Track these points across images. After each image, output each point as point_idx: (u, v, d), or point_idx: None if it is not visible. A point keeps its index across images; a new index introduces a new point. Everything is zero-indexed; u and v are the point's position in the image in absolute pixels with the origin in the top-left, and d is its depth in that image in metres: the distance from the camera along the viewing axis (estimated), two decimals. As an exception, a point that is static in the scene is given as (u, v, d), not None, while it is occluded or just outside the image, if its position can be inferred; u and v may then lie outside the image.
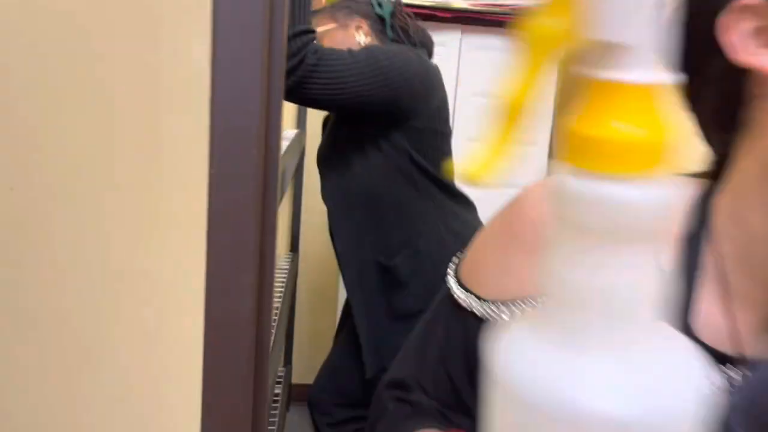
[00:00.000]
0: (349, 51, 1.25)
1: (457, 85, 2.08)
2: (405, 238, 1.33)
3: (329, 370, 1.53)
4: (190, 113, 0.52)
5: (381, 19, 1.39)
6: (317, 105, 1.24)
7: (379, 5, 1.40)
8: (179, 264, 0.54)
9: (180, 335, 0.56)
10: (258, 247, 0.53)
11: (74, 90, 0.51)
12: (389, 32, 1.39)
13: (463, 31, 2.03)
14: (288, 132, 2.11)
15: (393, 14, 1.40)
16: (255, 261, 0.52)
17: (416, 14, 1.97)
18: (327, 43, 1.33)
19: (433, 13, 1.98)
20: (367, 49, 1.27)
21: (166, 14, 0.51)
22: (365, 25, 1.38)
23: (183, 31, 0.52)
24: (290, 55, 1.12)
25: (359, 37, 1.38)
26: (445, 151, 1.38)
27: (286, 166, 1.57)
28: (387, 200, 1.33)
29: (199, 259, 0.53)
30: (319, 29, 1.34)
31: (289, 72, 1.12)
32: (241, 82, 0.51)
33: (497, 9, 1.97)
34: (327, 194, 1.42)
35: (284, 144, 1.67)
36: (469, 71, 2.07)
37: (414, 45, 1.41)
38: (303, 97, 1.19)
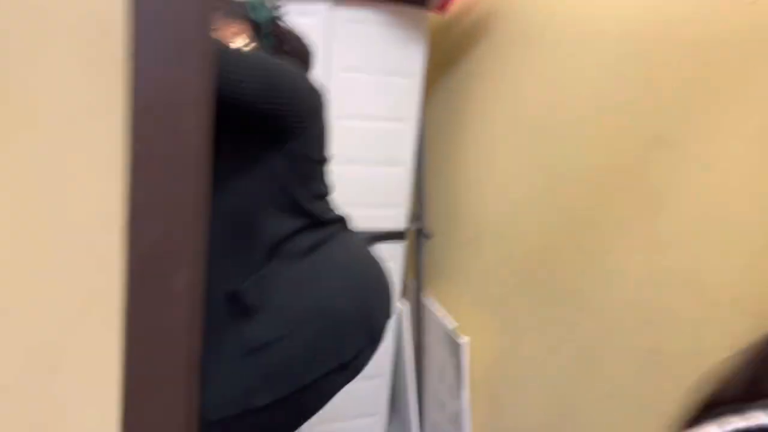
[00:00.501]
0: (238, 48, 1.13)
1: (327, 60, 2.00)
2: (257, 263, 1.21)
3: None
4: (102, 74, 0.40)
5: (256, 26, 1.27)
6: None
7: (254, 10, 1.27)
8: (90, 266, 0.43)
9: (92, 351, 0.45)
10: (191, 241, 0.43)
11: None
12: (265, 41, 1.27)
13: (333, 3, 1.95)
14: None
15: (270, 21, 1.28)
16: (187, 257, 0.43)
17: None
18: None
19: (301, -19, 1.87)
20: (258, 53, 1.15)
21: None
22: (245, 31, 1.25)
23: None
24: None
25: (237, 43, 1.25)
26: (318, 178, 1.29)
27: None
28: (246, 224, 1.21)
29: (114, 260, 0.42)
30: None
31: None
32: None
33: (370, -20, 1.91)
34: None
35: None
36: (339, 45, 1.99)
37: (289, 56, 1.30)
38: None
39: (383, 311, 1.38)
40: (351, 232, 1.41)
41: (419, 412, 2.37)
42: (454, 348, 2.06)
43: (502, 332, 1.91)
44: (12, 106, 0.40)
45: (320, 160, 1.27)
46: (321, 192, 1.30)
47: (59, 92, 0.41)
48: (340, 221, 1.37)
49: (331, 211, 1.35)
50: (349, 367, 1.30)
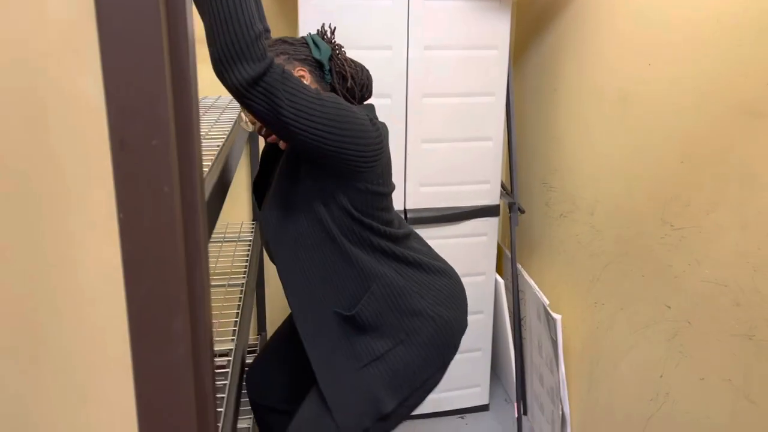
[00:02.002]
0: (316, 89, 1.17)
1: (407, 40, 2.00)
2: (358, 288, 1.30)
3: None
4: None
5: (318, 63, 1.29)
6: (273, 123, 1.12)
7: (317, 47, 1.29)
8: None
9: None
10: (184, 290, 0.49)
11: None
12: (327, 77, 1.30)
13: (410, -18, 1.94)
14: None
15: (331, 58, 1.30)
16: (182, 304, 0.49)
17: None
18: None
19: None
20: (332, 96, 1.18)
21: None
22: (307, 74, 1.28)
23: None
24: (256, 56, 1.03)
25: None
26: (384, 206, 1.33)
27: (235, 140, 1.51)
28: (335, 256, 1.29)
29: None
30: None
31: (258, 77, 1.04)
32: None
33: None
34: (273, 240, 1.34)
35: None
36: (418, 24, 1.99)
37: (352, 91, 1.33)
38: (265, 110, 1.08)
39: (466, 305, 1.46)
40: (419, 239, 1.49)
41: (522, 382, 2.38)
42: (549, 323, 2.04)
43: (595, 309, 1.87)
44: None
45: (383, 193, 1.31)
46: (389, 219, 1.36)
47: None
48: (409, 232, 1.44)
49: (401, 227, 1.41)
50: (447, 366, 1.41)
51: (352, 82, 1.32)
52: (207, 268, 0.58)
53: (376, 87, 2.01)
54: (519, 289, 2.29)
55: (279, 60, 1.27)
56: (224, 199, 1.06)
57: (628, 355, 1.70)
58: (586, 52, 1.91)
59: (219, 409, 1.26)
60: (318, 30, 1.37)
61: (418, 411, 2.35)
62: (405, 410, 1.38)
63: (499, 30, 2.05)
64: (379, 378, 1.31)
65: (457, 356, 2.32)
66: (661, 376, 1.54)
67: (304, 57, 1.28)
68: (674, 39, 1.46)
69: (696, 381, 1.41)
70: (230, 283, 1.89)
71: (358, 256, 1.29)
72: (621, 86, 1.70)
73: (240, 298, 1.77)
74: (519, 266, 2.35)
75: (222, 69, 1.03)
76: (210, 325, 0.56)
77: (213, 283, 1.89)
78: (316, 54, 1.28)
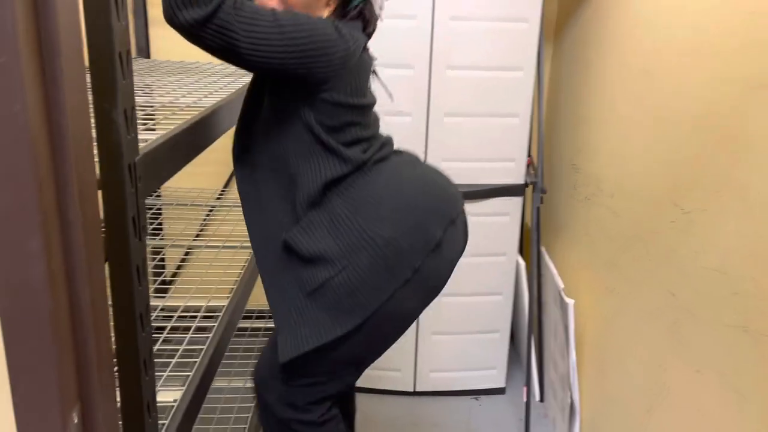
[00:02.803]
0: (273, 12, 1.14)
1: (433, 9, 1.96)
2: (303, 211, 1.27)
3: (270, 347, 1.47)
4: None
5: (346, 1, 1.27)
6: (231, 58, 1.12)
7: None
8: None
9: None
10: (40, 209, 0.51)
11: None
12: (351, 5, 1.27)
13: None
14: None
15: (363, 2, 1.27)
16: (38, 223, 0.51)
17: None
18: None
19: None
20: (292, 14, 1.16)
21: None
22: (334, 3, 1.26)
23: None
24: None
25: (321, 13, 1.27)
26: (359, 122, 1.28)
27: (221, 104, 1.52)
28: (291, 173, 1.27)
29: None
30: None
31: (209, 15, 1.04)
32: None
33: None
34: (235, 160, 1.36)
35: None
36: (445, -6, 1.95)
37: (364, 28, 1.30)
38: (222, 46, 1.09)
39: (438, 217, 1.34)
40: (400, 156, 1.40)
41: (540, 367, 2.32)
42: (563, 308, 1.97)
43: (609, 295, 1.79)
44: None
45: (357, 105, 1.26)
46: (361, 136, 1.29)
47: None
48: (386, 156, 1.36)
49: (379, 150, 1.34)
50: (412, 282, 1.29)
51: (372, 29, 1.31)
52: (94, 198, 0.59)
53: (397, 57, 1.99)
54: (541, 272, 2.23)
55: None
56: (190, 156, 1.07)
57: (634, 344, 1.62)
58: (615, 28, 1.81)
59: (194, 359, 1.29)
60: None
61: (430, 388, 2.34)
62: (369, 339, 1.32)
63: (530, 2, 1.98)
64: (321, 307, 1.27)
65: (474, 336, 2.29)
66: (661, 368, 1.46)
67: None
68: (690, 14, 1.36)
69: (692, 373, 1.33)
70: (243, 245, 1.93)
71: (306, 175, 1.25)
72: (644, 63, 1.60)
73: (247, 260, 1.80)
74: (543, 249, 2.28)
75: (171, 8, 1.02)
76: (90, 251, 0.57)
77: (226, 244, 1.94)
78: None
